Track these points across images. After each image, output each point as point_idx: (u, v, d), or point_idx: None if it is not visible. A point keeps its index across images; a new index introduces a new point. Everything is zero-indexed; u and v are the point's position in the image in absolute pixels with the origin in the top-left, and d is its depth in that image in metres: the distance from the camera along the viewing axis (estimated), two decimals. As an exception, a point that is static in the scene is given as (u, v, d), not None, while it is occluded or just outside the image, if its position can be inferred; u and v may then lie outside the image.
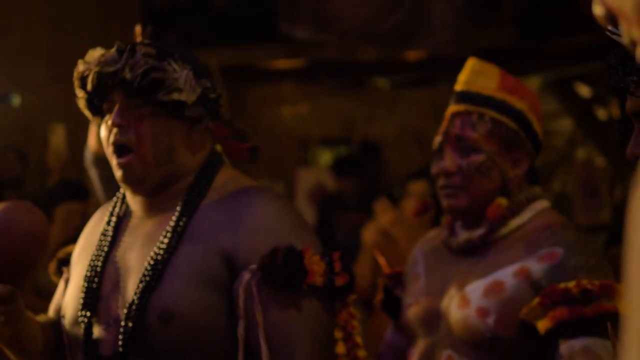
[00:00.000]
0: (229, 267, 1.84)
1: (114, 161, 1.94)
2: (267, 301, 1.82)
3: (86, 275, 1.98)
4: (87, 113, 2.01)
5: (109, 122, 1.94)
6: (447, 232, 2.29)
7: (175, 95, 1.91)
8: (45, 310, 2.14)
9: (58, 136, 6.67)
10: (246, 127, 2.15)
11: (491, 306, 2.09)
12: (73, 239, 2.20)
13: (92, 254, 2.01)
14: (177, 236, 1.89)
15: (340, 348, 1.92)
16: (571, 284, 2.01)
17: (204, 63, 2.01)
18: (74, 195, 4.41)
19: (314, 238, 1.92)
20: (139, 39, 2.44)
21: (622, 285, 1.99)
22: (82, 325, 1.93)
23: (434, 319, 2.20)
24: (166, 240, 1.89)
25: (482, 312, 2.09)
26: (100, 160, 3.04)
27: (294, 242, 1.84)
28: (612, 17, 0.89)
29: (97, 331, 1.92)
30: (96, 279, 1.96)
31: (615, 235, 4.18)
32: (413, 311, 2.26)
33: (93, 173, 3.18)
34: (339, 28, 6.11)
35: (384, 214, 4.12)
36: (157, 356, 1.85)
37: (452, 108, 2.25)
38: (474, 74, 2.26)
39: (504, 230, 2.19)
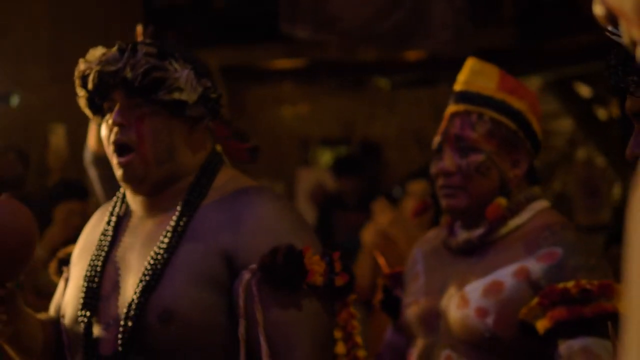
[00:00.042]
0: (229, 267, 1.84)
1: (114, 160, 1.94)
2: (267, 301, 1.82)
3: (86, 275, 1.98)
4: (87, 112, 2.01)
5: (110, 121, 1.94)
6: (447, 232, 2.29)
7: (176, 95, 1.91)
8: (45, 309, 2.14)
9: (58, 136, 6.67)
10: (246, 127, 2.15)
11: (490, 306, 2.09)
12: (73, 239, 2.20)
13: (92, 253, 2.01)
14: (178, 236, 1.89)
15: (340, 348, 1.92)
16: (570, 284, 2.01)
17: (205, 63, 2.01)
18: (73, 194, 4.42)
19: (314, 238, 1.92)
20: (140, 38, 2.44)
21: (622, 285, 1.99)
22: (82, 325, 1.93)
23: (433, 319, 2.20)
24: (166, 240, 1.89)
25: (481, 312, 2.09)
26: (100, 160, 3.04)
27: (294, 241, 1.84)
28: (612, 17, 0.89)
29: (97, 331, 1.92)
30: (96, 279, 1.96)
31: (615, 235, 4.18)
32: (412, 311, 2.26)
33: (92, 173, 3.18)
34: (339, 28, 6.10)
35: (382, 215, 4.12)
36: (157, 356, 1.85)
37: (452, 108, 2.25)
38: (473, 74, 2.26)
39: (503, 230, 2.19)
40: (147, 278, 1.87)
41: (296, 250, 1.82)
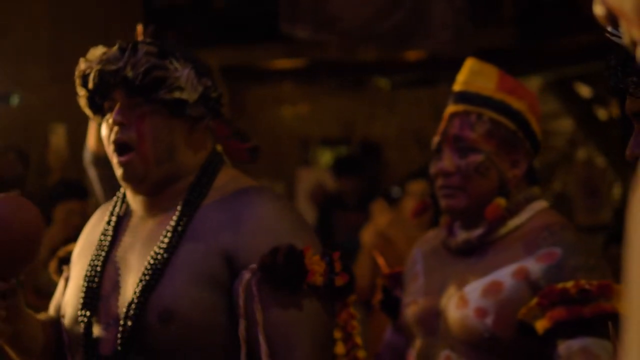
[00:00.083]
0: (229, 267, 1.84)
1: (114, 159, 1.94)
2: (267, 301, 1.82)
3: (86, 275, 1.98)
4: (88, 112, 2.01)
5: (110, 121, 1.93)
6: (446, 233, 2.29)
7: (177, 94, 1.91)
8: (45, 309, 2.14)
9: (58, 136, 6.67)
10: (246, 127, 2.15)
11: (489, 306, 2.09)
12: (73, 238, 2.20)
13: (92, 253, 2.01)
14: (178, 236, 1.89)
15: (340, 348, 1.92)
16: (569, 284, 2.01)
17: (205, 62, 2.01)
18: (73, 194, 4.42)
19: (314, 238, 1.92)
20: (140, 38, 2.44)
21: (621, 285, 1.99)
22: (82, 325, 1.93)
23: (432, 319, 2.20)
24: (166, 240, 1.89)
25: (481, 312, 2.09)
26: (99, 160, 3.04)
27: (295, 241, 1.84)
28: (612, 18, 0.89)
29: (97, 330, 1.91)
30: (96, 279, 1.96)
31: (614, 235, 4.18)
32: (412, 311, 2.26)
33: (92, 173, 3.18)
34: (339, 28, 6.10)
35: (381, 216, 4.12)
36: (157, 355, 1.85)
37: (451, 108, 2.25)
38: (472, 74, 2.26)
39: (503, 231, 2.19)
40: (147, 278, 1.87)
41: (296, 250, 1.82)
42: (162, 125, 1.92)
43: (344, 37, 6.28)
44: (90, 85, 1.93)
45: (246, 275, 1.82)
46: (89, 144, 3.15)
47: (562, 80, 7.89)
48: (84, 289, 1.96)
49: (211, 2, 7.78)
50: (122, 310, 1.88)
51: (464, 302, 2.12)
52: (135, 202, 2.00)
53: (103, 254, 1.99)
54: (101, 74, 1.91)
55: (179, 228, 1.90)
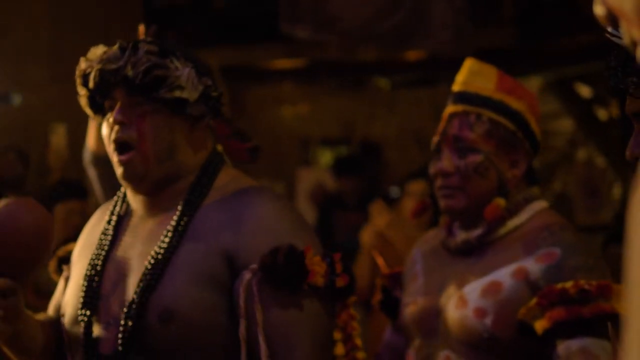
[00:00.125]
0: (229, 267, 1.84)
1: (114, 158, 1.94)
2: (268, 301, 1.81)
3: (86, 274, 1.97)
4: (88, 111, 2.01)
5: (111, 120, 1.93)
6: (445, 233, 2.29)
7: (177, 93, 1.91)
8: (45, 309, 2.14)
9: (59, 136, 6.67)
10: (246, 127, 2.15)
11: (489, 306, 2.09)
12: (73, 238, 2.20)
13: (92, 252, 2.01)
14: (178, 235, 1.89)
15: (340, 349, 1.92)
16: (569, 284, 2.01)
17: (205, 62, 2.01)
18: (73, 194, 4.42)
19: (314, 238, 1.91)
20: (142, 38, 2.44)
21: (621, 285, 1.99)
22: (82, 324, 1.93)
23: (432, 319, 2.20)
24: (167, 240, 1.89)
25: (480, 313, 2.09)
26: (99, 160, 3.04)
27: (295, 242, 1.84)
28: (612, 18, 0.89)
29: (97, 330, 1.91)
30: (96, 278, 1.96)
31: (613, 234, 4.18)
32: (411, 311, 2.26)
33: (92, 173, 3.18)
34: (339, 28, 6.10)
35: (379, 217, 4.12)
36: (157, 355, 1.85)
37: (450, 108, 2.25)
38: (471, 75, 2.26)
39: (502, 231, 2.19)
40: (148, 277, 1.87)
41: (297, 251, 1.82)
42: (163, 125, 1.92)
43: (344, 37, 6.28)
44: (91, 84, 1.93)
45: (247, 276, 1.82)
46: (89, 143, 3.15)
47: (562, 81, 7.89)
48: (84, 289, 1.96)
49: (211, 2, 7.78)
50: (123, 309, 1.88)
51: (463, 302, 2.12)
52: (135, 201, 2.00)
53: (103, 253, 1.99)
54: (102, 73, 1.91)
55: (180, 228, 1.90)
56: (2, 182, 5.06)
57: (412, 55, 7.25)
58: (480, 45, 5.97)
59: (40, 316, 2.06)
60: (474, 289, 2.12)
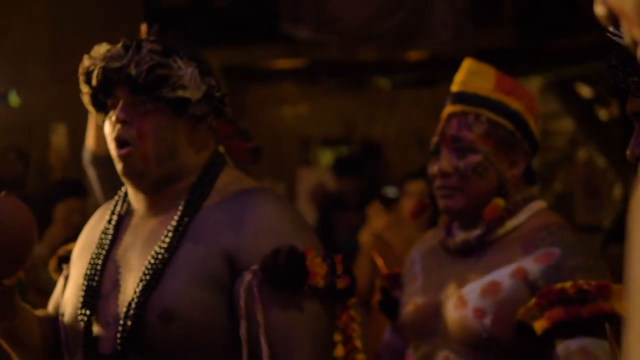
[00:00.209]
0: (230, 267, 1.84)
1: (114, 153, 1.94)
2: (268, 302, 1.81)
3: (86, 274, 1.97)
4: (91, 109, 2.01)
5: (113, 118, 1.93)
6: (444, 233, 2.28)
7: (180, 92, 1.90)
8: (46, 307, 2.14)
9: (59, 136, 6.67)
10: (246, 128, 2.15)
11: (488, 307, 2.09)
12: (74, 237, 2.20)
13: (92, 252, 2.01)
14: (179, 235, 1.89)
15: (340, 351, 1.92)
16: (568, 284, 2.00)
17: (208, 62, 2.00)
18: (73, 193, 4.43)
19: (315, 240, 1.91)
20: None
21: (620, 285, 1.99)
22: (82, 324, 1.93)
23: (431, 319, 2.20)
24: (167, 240, 1.89)
25: (479, 313, 2.09)
26: (98, 160, 3.04)
27: (296, 243, 1.84)
28: (613, 17, 0.89)
29: (96, 330, 1.91)
30: (96, 277, 1.96)
31: (613, 234, 4.18)
32: (410, 312, 2.26)
33: (91, 173, 3.18)
34: (339, 28, 6.11)
35: (377, 219, 4.12)
36: (157, 355, 1.85)
37: (449, 109, 2.25)
38: (470, 75, 2.25)
39: (501, 231, 2.19)
40: (148, 277, 1.87)
41: (298, 252, 1.82)
42: (165, 124, 1.92)
43: (345, 37, 6.29)
44: (94, 82, 1.93)
45: (247, 276, 1.82)
46: (88, 143, 3.15)
47: (562, 81, 7.90)
48: (84, 288, 1.96)
49: (212, 2, 7.79)
50: (122, 309, 1.88)
51: (462, 303, 2.12)
52: (136, 201, 2.00)
53: (103, 252, 1.98)
54: (105, 71, 1.91)
55: (180, 228, 1.90)
56: (2, 182, 5.06)
57: (413, 55, 7.26)
58: (481, 45, 5.98)
59: (39, 312, 2.06)
60: (473, 289, 2.12)
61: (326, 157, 9.39)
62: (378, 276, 2.52)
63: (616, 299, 1.98)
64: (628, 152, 1.60)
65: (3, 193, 1.86)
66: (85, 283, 1.96)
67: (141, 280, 1.87)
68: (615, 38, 1.35)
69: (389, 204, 4.68)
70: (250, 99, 8.98)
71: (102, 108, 1.98)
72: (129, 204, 2.04)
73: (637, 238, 0.81)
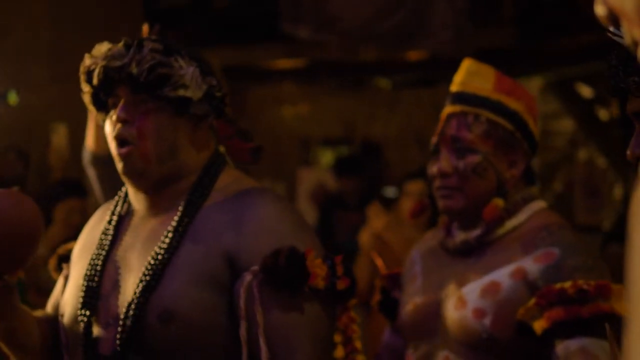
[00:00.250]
0: (230, 268, 1.84)
1: (115, 152, 1.94)
2: (268, 303, 1.81)
3: (86, 274, 1.97)
4: (91, 108, 2.00)
5: (114, 117, 1.93)
6: (444, 233, 2.28)
7: (181, 92, 1.90)
8: (45, 307, 2.14)
9: (60, 136, 6.68)
10: (247, 128, 2.15)
11: (488, 307, 2.08)
12: (73, 238, 2.20)
13: (92, 252, 2.01)
14: (179, 236, 1.89)
15: (339, 352, 1.92)
16: (567, 284, 2.00)
17: (210, 61, 2.00)
18: (72, 192, 4.43)
19: (315, 241, 1.91)
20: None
21: (620, 285, 1.99)
22: (82, 324, 1.92)
23: (431, 320, 2.20)
24: (167, 240, 1.89)
25: (479, 313, 2.09)
26: (98, 160, 3.03)
27: (296, 244, 1.83)
28: (613, 18, 0.89)
29: (96, 330, 1.91)
30: (96, 278, 1.96)
31: (613, 233, 4.18)
32: (410, 312, 2.26)
33: (91, 173, 3.18)
34: (339, 28, 6.11)
35: (376, 219, 4.12)
36: (157, 356, 1.85)
37: (448, 109, 2.25)
38: (469, 75, 2.25)
39: (501, 231, 2.18)
40: (148, 278, 1.86)
41: (298, 253, 1.82)
42: (166, 124, 1.91)
43: (345, 37, 6.29)
44: (95, 81, 1.93)
45: (247, 277, 1.81)
46: (88, 144, 3.15)
47: (562, 81, 7.90)
48: (84, 288, 1.95)
49: (212, 2, 7.79)
50: (122, 310, 1.88)
51: (462, 303, 2.12)
52: (136, 201, 2.00)
53: (103, 253, 1.98)
54: (106, 70, 1.91)
55: (180, 228, 1.89)
56: (2, 182, 5.06)
57: (413, 55, 7.26)
58: (481, 45, 5.98)
59: (37, 313, 2.06)
60: (473, 290, 2.12)
61: (326, 157, 9.39)
62: (378, 276, 2.52)
63: (616, 299, 1.98)
64: (628, 152, 1.60)
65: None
66: (85, 283, 1.96)
67: (141, 281, 1.87)
68: (615, 38, 1.35)
69: (389, 204, 4.68)
70: (251, 99, 8.98)
71: (103, 107, 1.98)
72: (129, 204, 2.03)
73: (638, 238, 0.80)
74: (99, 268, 1.97)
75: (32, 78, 6.50)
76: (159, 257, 1.88)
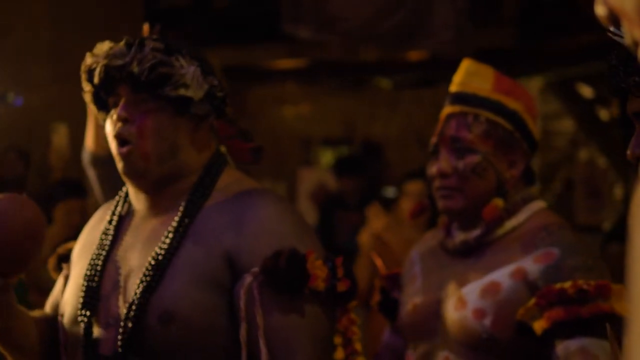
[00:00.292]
0: (230, 269, 1.83)
1: (115, 152, 1.94)
2: (269, 304, 1.81)
3: (86, 274, 1.97)
4: (92, 107, 2.00)
5: (115, 116, 1.93)
6: (444, 234, 2.28)
7: (182, 91, 1.90)
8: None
9: (60, 135, 6.68)
10: (247, 128, 2.15)
11: (488, 307, 2.08)
12: (73, 238, 2.20)
13: (92, 252, 2.01)
14: (179, 236, 1.89)
15: (339, 354, 1.91)
16: (567, 285, 2.00)
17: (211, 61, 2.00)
18: (72, 192, 4.43)
19: (316, 242, 1.90)
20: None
21: (620, 285, 1.99)
22: (82, 325, 1.92)
23: (430, 320, 2.20)
24: (168, 240, 1.89)
25: (479, 313, 2.09)
26: (98, 161, 3.03)
27: (297, 245, 1.83)
28: (614, 18, 0.89)
29: (96, 331, 1.91)
30: (96, 278, 1.95)
31: (613, 233, 4.18)
32: (410, 312, 2.26)
33: (91, 173, 3.18)
34: (340, 28, 6.11)
35: (376, 220, 4.12)
36: (157, 357, 1.84)
37: (447, 109, 2.25)
38: (468, 75, 2.25)
39: (500, 231, 2.18)
40: (148, 278, 1.86)
41: (299, 254, 1.81)
42: (167, 123, 1.91)
43: (345, 37, 6.29)
44: (96, 80, 1.93)
45: (248, 278, 1.81)
46: (87, 144, 3.15)
47: (563, 81, 7.90)
48: (84, 289, 1.95)
49: (212, 2, 7.79)
50: (123, 310, 1.87)
51: (462, 303, 2.12)
52: (137, 201, 1.99)
53: (104, 253, 1.98)
54: (107, 68, 1.90)
55: (181, 229, 1.89)
56: (3, 182, 5.07)
57: (413, 55, 7.26)
58: (481, 45, 5.98)
59: (35, 313, 2.06)
60: (473, 290, 2.12)
61: (327, 157, 9.39)
62: (377, 277, 2.52)
63: (616, 299, 1.98)
64: (629, 152, 1.60)
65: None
66: (85, 284, 1.96)
67: (142, 282, 1.86)
68: (615, 38, 1.35)
69: (388, 204, 4.68)
70: (251, 99, 8.98)
71: (104, 106, 1.98)
72: (130, 204, 2.03)
73: (638, 239, 0.80)
74: (99, 268, 1.96)
75: (32, 78, 6.50)
76: (160, 257, 1.87)
